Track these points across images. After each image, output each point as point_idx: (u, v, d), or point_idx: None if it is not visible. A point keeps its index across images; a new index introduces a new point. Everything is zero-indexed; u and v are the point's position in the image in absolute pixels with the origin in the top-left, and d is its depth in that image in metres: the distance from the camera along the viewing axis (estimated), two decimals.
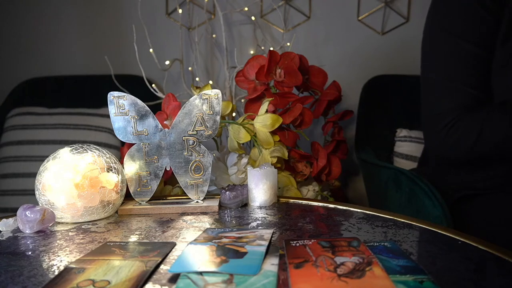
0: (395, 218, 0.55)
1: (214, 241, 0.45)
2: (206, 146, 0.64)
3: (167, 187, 0.80)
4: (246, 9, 1.31)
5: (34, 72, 1.45)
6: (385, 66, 1.31)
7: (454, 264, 0.40)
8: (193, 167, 0.63)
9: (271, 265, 0.38)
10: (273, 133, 0.78)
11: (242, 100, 1.22)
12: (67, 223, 0.56)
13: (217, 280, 0.35)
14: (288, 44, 1.23)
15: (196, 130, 0.63)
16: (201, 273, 0.36)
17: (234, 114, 1.15)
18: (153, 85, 1.16)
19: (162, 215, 0.59)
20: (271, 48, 1.27)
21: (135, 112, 0.62)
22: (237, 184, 0.74)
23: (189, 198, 0.65)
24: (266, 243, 0.43)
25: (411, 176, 0.79)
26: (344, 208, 0.61)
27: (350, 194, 1.37)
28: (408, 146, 1.13)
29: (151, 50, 1.20)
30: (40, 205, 0.56)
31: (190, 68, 1.37)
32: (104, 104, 0.78)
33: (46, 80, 1.40)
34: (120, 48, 1.44)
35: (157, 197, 0.68)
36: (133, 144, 0.63)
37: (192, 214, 0.60)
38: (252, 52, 1.33)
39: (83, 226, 0.55)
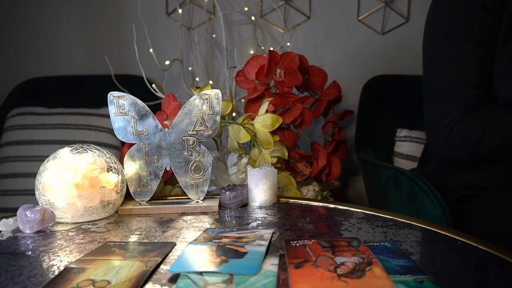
0: (395, 218, 0.55)
1: (214, 241, 0.45)
2: (206, 146, 0.64)
3: (167, 187, 0.80)
4: (246, 9, 1.31)
5: (34, 72, 1.45)
6: (385, 66, 1.31)
7: (454, 264, 0.40)
8: (193, 167, 0.63)
9: (271, 265, 0.38)
10: (273, 133, 0.78)
11: (242, 100, 1.22)
12: (67, 223, 0.56)
13: (217, 280, 0.35)
14: (288, 44, 1.23)
15: (196, 130, 0.63)
16: (201, 273, 0.36)
17: (234, 114, 1.15)
18: (153, 85, 1.16)
19: (162, 215, 0.59)
20: (271, 48, 1.27)
21: (135, 112, 0.62)
22: (237, 184, 0.74)
23: (189, 198, 0.65)
24: (266, 243, 0.43)
25: (411, 176, 0.79)
26: (344, 208, 0.61)
27: (350, 194, 1.37)
28: (408, 146, 1.13)
29: (151, 50, 1.20)
30: (40, 205, 0.56)
31: (190, 68, 1.37)
32: (104, 104, 0.78)
33: (46, 80, 1.40)
34: (120, 48, 1.44)
35: (157, 197, 0.68)
36: (133, 144, 0.63)
37: (192, 214, 0.60)
38: (252, 52, 1.33)
39: (83, 226, 0.55)
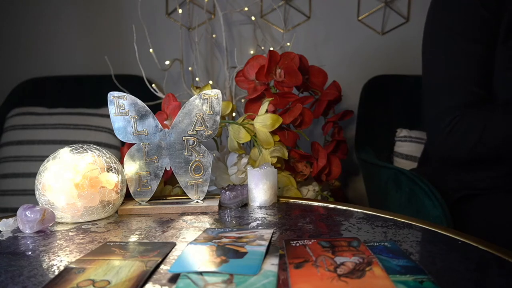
0: (395, 218, 0.55)
1: (214, 241, 0.45)
2: (206, 146, 0.64)
3: (167, 187, 0.80)
4: (246, 9, 1.31)
5: (34, 72, 1.45)
6: (385, 66, 1.31)
7: (454, 264, 0.40)
8: (193, 167, 0.63)
9: (271, 265, 0.38)
10: (273, 133, 0.78)
11: (242, 100, 1.22)
12: (67, 223, 0.56)
13: (217, 280, 0.35)
14: (288, 44, 1.23)
15: (196, 130, 0.63)
16: (201, 273, 0.36)
17: (234, 114, 1.15)
18: (153, 85, 1.16)
19: (162, 215, 0.59)
20: (271, 48, 1.27)
21: (135, 112, 0.62)
22: (237, 184, 0.74)
23: (189, 198, 0.65)
24: (266, 243, 0.43)
25: (411, 176, 0.79)
26: (344, 208, 0.61)
27: (350, 194, 1.37)
28: (408, 146, 1.13)
29: (151, 50, 1.20)
30: (40, 205, 0.56)
31: (190, 68, 1.37)
32: (104, 104, 0.78)
33: (46, 80, 1.40)
34: (120, 48, 1.44)
35: (157, 197, 0.68)
36: (133, 144, 0.63)
37: (192, 214, 0.60)
38: (252, 52, 1.33)
39: (83, 226, 0.55)
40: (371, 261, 0.37)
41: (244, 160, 0.80)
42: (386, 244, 0.43)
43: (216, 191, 0.83)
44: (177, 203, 0.64)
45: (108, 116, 0.78)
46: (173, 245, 0.46)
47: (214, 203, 0.62)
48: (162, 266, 0.40)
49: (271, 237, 0.47)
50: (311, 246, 0.42)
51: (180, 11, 1.31)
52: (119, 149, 1.21)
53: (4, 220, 0.54)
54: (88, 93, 1.36)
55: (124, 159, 0.62)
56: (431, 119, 0.79)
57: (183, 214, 0.60)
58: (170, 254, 0.43)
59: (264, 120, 0.77)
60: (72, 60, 1.48)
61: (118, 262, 0.40)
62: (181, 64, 1.33)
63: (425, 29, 0.83)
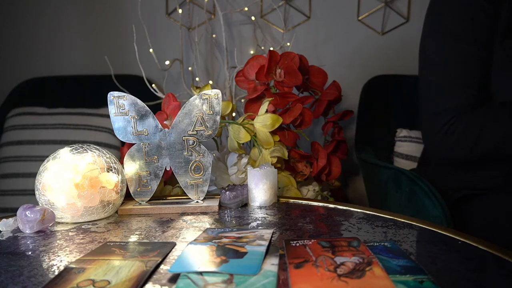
0: (395, 218, 0.55)
1: (214, 241, 0.45)
2: (206, 146, 0.64)
3: (167, 187, 0.80)
4: (246, 9, 1.31)
5: (34, 72, 1.45)
6: (385, 66, 1.31)
7: (454, 264, 0.40)
8: (193, 167, 0.63)
9: (271, 265, 0.38)
10: (273, 133, 0.78)
11: (242, 100, 1.22)
12: (67, 223, 0.56)
13: (217, 280, 0.35)
14: (288, 44, 1.23)
15: (196, 130, 0.63)
16: (201, 273, 0.36)
17: (234, 114, 1.15)
18: (153, 85, 1.16)
19: (162, 215, 0.59)
20: (271, 48, 1.27)
21: (135, 112, 0.62)
22: (237, 184, 0.74)
23: (189, 198, 0.65)
24: (266, 243, 0.43)
25: (411, 176, 0.79)
26: (344, 208, 0.61)
27: (350, 194, 1.37)
28: (408, 146, 1.13)
29: (151, 50, 1.20)
30: (40, 205, 0.56)
31: (190, 68, 1.37)
32: (104, 104, 0.78)
33: (46, 80, 1.40)
34: (120, 48, 1.44)
35: (157, 197, 0.68)
36: (133, 144, 0.63)
37: (192, 214, 0.60)
38: (252, 52, 1.33)
39: (83, 226, 0.55)
40: (371, 261, 0.37)
41: (244, 160, 0.80)
42: (386, 244, 0.43)
43: (216, 191, 0.83)
44: (177, 203, 0.64)
45: (108, 116, 0.78)
46: (173, 245, 0.46)
47: (214, 203, 0.62)
48: (162, 266, 0.40)
49: (271, 237, 0.47)
50: (311, 246, 0.42)
51: (180, 11, 1.31)
52: (119, 149, 1.21)
53: (4, 220, 0.54)
54: (88, 93, 1.36)
55: (124, 159, 0.62)
56: (427, 119, 0.79)
57: (183, 214, 0.60)
58: (170, 254, 0.43)
59: (264, 120, 0.77)
60: (72, 60, 1.48)
61: (118, 262, 0.40)
62: (181, 64, 1.33)
63: (423, 29, 0.83)
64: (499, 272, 0.39)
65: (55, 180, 0.55)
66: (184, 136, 0.63)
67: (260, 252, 0.41)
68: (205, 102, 0.62)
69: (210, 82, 1.36)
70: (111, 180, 0.58)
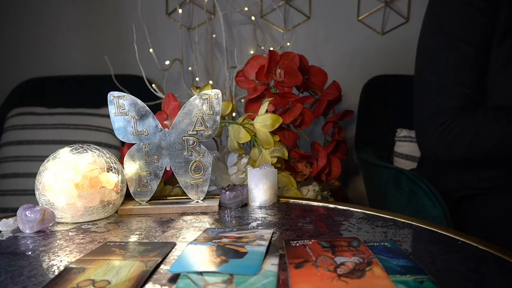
0: (395, 218, 0.55)
1: (214, 241, 0.45)
2: (206, 146, 0.64)
3: (167, 187, 0.80)
4: (246, 9, 1.31)
5: (34, 72, 1.45)
6: (385, 66, 1.31)
7: (454, 264, 0.40)
8: (193, 167, 0.63)
9: (271, 265, 0.38)
10: (273, 133, 0.78)
11: (242, 100, 1.22)
12: (67, 223, 0.56)
13: (217, 280, 0.35)
14: (288, 44, 1.23)
15: (196, 130, 0.63)
16: (201, 273, 0.36)
17: (234, 114, 1.15)
18: (153, 85, 1.16)
19: (162, 215, 0.59)
20: (271, 48, 1.27)
21: (135, 112, 0.62)
22: (237, 184, 0.74)
23: (189, 198, 0.65)
24: (266, 243, 0.43)
25: (411, 176, 0.79)
26: (344, 208, 0.61)
27: (350, 194, 1.37)
28: (408, 146, 1.13)
29: (151, 50, 1.20)
30: (40, 205, 0.56)
31: (190, 68, 1.37)
32: (104, 104, 0.78)
33: (46, 80, 1.40)
34: (120, 48, 1.44)
35: (157, 197, 0.68)
36: (133, 144, 0.63)
37: (192, 214, 0.60)
38: (252, 52, 1.33)
39: (83, 226, 0.55)
40: (371, 261, 0.37)
41: (244, 160, 0.80)
42: (386, 244, 0.43)
43: (216, 191, 0.83)
44: (177, 203, 0.64)
45: (108, 116, 0.79)
46: (173, 245, 0.46)
47: (214, 203, 0.62)
48: (162, 266, 0.40)
49: (271, 237, 0.47)
50: (311, 246, 0.42)
51: (180, 11, 1.31)
52: (119, 149, 1.21)
53: (4, 220, 0.54)
54: (88, 93, 1.36)
55: (124, 159, 0.62)
56: (422, 118, 0.79)
57: (183, 214, 0.60)
58: (170, 254, 0.43)
59: (264, 120, 0.77)
60: (72, 60, 1.48)
61: (118, 262, 0.40)
62: (181, 64, 1.33)
63: (421, 30, 0.83)
64: (499, 272, 0.39)
65: (55, 180, 0.55)
66: (184, 136, 0.63)
67: (260, 252, 0.41)
68: (205, 102, 0.62)
69: (210, 82, 1.36)
70: (111, 180, 0.58)
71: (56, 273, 0.39)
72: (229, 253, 0.41)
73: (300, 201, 0.66)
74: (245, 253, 0.41)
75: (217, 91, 0.62)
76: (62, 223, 0.56)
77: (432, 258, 0.41)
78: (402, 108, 1.21)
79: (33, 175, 0.62)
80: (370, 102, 1.21)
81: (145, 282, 0.36)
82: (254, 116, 0.78)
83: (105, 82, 1.30)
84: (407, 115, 1.19)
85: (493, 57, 0.75)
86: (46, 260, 0.42)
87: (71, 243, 0.48)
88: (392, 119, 1.20)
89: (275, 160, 0.78)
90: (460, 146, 0.74)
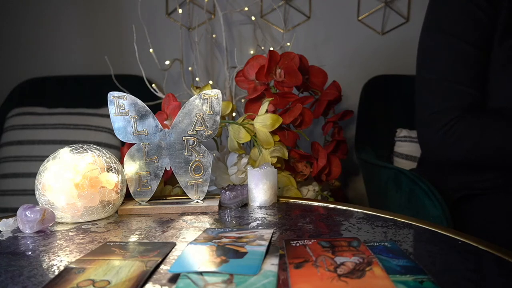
0: (395, 218, 0.55)
1: (214, 241, 0.45)
2: (206, 146, 0.64)
3: (167, 187, 0.80)
4: (246, 9, 1.31)
5: (34, 72, 1.45)
6: (385, 66, 1.31)
7: (454, 264, 0.40)
8: (193, 167, 0.63)
9: (271, 265, 0.38)
10: (273, 133, 0.78)
11: (242, 100, 1.22)
12: (67, 223, 0.56)
13: (217, 280, 0.35)
14: (288, 44, 1.23)
15: (196, 130, 0.63)
16: (201, 273, 0.36)
17: (234, 114, 1.15)
18: (153, 85, 1.16)
19: (162, 215, 0.59)
20: (271, 48, 1.27)
21: (135, 112, 0.62)
22: (237, 184, 0.74)
23: (189, 198, 0.65)
24: (266, 243, 0.43)
25: (411, 176, 0.79)
26: (344, 208, 0.61)
27: (350, 194, 1.37)
28: (408, 146, 1.13)
29: (151, 50, 1.20)
30: (40, 205, 0.56)
31: (190, 68, 1.37)
32: (104, 104, 0.78)
33: (46, 80, 1.40)
34: (120, 48, 1.44)
35: (157, 197, 0.68)
36: (133, 144, 0.63)
37: (192, 214, 0.60)
38: (252, 52, 1.33)
39: (83, 226, 0.55)
40: (371, 261, 0.37)
41: (244, 160, 0.80)
42: (386, 244, 0.43)
43: (216, 191, 0.83)
44: (177, 203, 0.64)
45: (108, 116, 0.78)
46: (173, 245, 0.46)
47: (214, 203, 0.62)
48: (162, 266, 0.40)
49: (271, 237, 0.47)
50: (311, 246, 0.42)
51: (180, 11, 1.31)
52: (119, 149, 1.21)
53: (4, 220, 0.54)
54: (88, 93, 1.36)
55: (124, 159, 0.62)
56: (425, 118, 0.79)
57: (183, 214, 0.60)
58: (170, 254, 0.43)
59: (264, 120, 0.77)
60: (72, 60, 1.48)
61: (118, 262, 0.40)
62: (181, 64, 1.33)
63: (422, 29, 0.83)
64: (499, 272, 0.39)
65: (55, 180, 0.55)
66: (184, 136, 0.63)
67: (260, 252, 0.41)
68: (205, 102, 0.62)
69: (210, 82, 1.36)
70: (111, 180, 0.58)
71: (56, 273, 0.39)
72: (229, 253, 0.41)
73: (300, 201, 0.66)
74: (245, 253, 0.41)
75: (217, 91, 0.62)
76: (62, 223, 0.56)
77: (432, 258, 0.41)
78: (402, 108, 1.21)
79: (33, 175, 0.62)
80: (370, 102, 1.21)
81: (145, 282, 0.36)
82: (254, 116, 0.78)
83: (105, 82, 1.30)
84: (407, 115, 1.19)
85: (493, 57, 0.75)
86: (46, 260, 0.42)
87: (71, 243, 0.48)
88: (392, 119, 1.20)
89: (275, 160, 0.78)
90: (464, 147, 0.74)
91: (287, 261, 0.39)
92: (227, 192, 0.62)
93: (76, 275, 0.37)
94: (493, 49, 0.75)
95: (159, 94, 1.16)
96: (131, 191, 0.63)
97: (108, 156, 0.59)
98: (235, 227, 0.53)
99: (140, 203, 0.63)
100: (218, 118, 0.63)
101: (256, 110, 0.81)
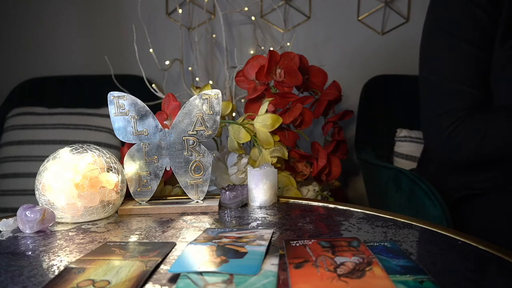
0: (395, 218, 0.55)
1: (214, 241, 0.45)
2: (206, 146, 0.64)
3: (167, 187, 0.80)
4: (246, 9, 1.31)
5: (34, 72, 1.45)
6: (385, 66, 1.31)
7: (454, 264, 0.40)
8: (193, 167, 0.63)
9: (271, 265, 0.38)
10: (273, 133, 0.78)
11: (242, 100, 1.22)
12: (67, 223, 0.56)
13: (217, 280, 0.35)
14: (288, 44, 1.23)
15: (196, 130, 0.63)
16: (201, 273, 0.36)
17: (234, 114, 1.15)
18: (153, 85, 1.16)
19: (162, 215, 0.59)
20: (271, 48, 1.27)
21: (135, 112, 0.62)
22: (237, 184, 0.74)
23: (189, 198, 0.65)
24: (266, 243, 0.43)
25: (411, 176, 0.79)
26: (344, 208, 0.61)
27: (350, 194, 1.37)
28: (408, 146, 1.13)
29: (151, 50, 1.20)
30: (40, 205, 0.56)
31: (190, 68, 1.37)
32: (104, 104, 0.78)
33: (46, 80, 1.40)
34: (120, 48, 1.44)
35: (157, 197, 0.68)
36: (133, 144, 0.63)
37: (192, 214, 0.60)
38: (252, 52, 1.33)
39: (83, 226, 0.55)
40: (371, 261, 0.37)
41: (244, 160, 0.80)
42: (386, 244, 0.43)
43: (216, 191, 0.83)
44: (177, 203, 0.64)
45: (108, 116, 0.78)
46: (173, 245, 0.46)
47: (214, 203, 0.62)
48: (162, 266, 0.40)
49: (271, 237, 0.47)
50: (311, 246, 0.42)
51: (180, 11, 1.31)
52: (119, 149, 1.21)
53: (4, 220, 0.54)
54: (88, 93, 1.36)
55: (124, 159, 0.62)
56: (430, 119, 0.79)
57: (183, 214, 0.60)
58: (170, 254, 0.43)
59: (264, 120, 0.77)
60: (72, 60, 1.48)
61: (118, 262, 0.40)
62: (181, 64, 1.33)
63: (423, 30, 0.83)
64: (499, 272, 0.39)
65: (55, 180, 0.55)
66: (184, 136, 0.63)
67: (260, 252, 0.41)
68: (205, 102, 0.62)
69: (210, 82, 1.36)
70: (111, 180, 0.58)
71: (56, 273, 0.39)
72: (229, 253, 0.41)
73: (300, 201, 0.66)
74: (245, 253, 0.41)
75: (217, 91, 0.62)
76: (62, 223, 0.56)
77: (432, 258, 0.41)
78: (402, 108, 1.21)
79: (33, 175, 0.62)
80: (370, 102, 1.21)
81: (145, 282, 0.36)
82: (254, 116, 0.78)
83: (105, 82, 1.30)
84: (407, 115, 1.19)
85: (495, 57, 0.75)
86: (46, 260, 0.42)
87: (71, 243, 0.48)
88: (392, 119, 1.20)
89: (275, 160, 0.78)
90: (469, 148, 0.74)
91: (287, 261, 0.39)
92: (227, 192, 0.62)
93: (76, 275, 0.37)
94: (494, 49, 0.74)
95: (159, 94, 1.16)
96: (131, 191, 0.63)
97: (108, 156, 0.59)
98: (235, 227, 0.53)
99: (140, 203, 0.63)
100: (218, 118, 0.63)
101: (256, 110, 0.81)
